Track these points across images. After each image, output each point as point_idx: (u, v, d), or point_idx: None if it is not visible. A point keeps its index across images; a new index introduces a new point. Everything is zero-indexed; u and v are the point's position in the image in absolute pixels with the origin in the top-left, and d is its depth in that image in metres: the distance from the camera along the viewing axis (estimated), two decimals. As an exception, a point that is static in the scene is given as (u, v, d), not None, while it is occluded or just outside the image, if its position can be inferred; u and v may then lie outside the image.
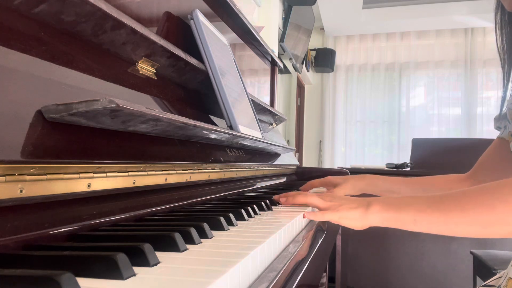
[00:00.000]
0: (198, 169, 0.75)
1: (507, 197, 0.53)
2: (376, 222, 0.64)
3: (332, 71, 5.31)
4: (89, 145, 0.47)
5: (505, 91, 0.81)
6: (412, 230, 0.62)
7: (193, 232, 0.45)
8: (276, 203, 0.84)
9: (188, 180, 0.71)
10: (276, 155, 1.44)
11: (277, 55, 2.25)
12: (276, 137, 1.63)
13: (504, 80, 0.81)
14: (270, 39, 2.80)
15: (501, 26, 0.80)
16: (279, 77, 3.56)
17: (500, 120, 0.86)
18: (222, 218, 0.54)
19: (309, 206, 0.77)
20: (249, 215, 0.66)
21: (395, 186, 0.94)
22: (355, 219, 0.65)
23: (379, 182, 0.94)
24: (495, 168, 0.87)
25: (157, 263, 0.36)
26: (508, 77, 0.80)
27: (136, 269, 0.33)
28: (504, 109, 0.82)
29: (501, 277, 0.78)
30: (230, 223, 0.56)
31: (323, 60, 5.16)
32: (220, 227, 0.53)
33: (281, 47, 3.39)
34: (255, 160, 1.16)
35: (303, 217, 0.70)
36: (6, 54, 0.42)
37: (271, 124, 1.67)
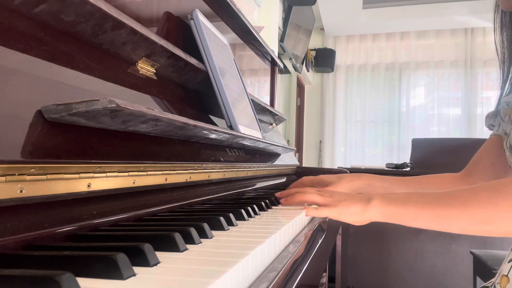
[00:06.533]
0: (198, 169, 0.75)
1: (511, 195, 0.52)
2: (376, 217, 0.63)
3: (332, 71, 5.31)
4: (89, 145, 0.47)
5: (502, 89, 0.82)
6: (412, 226, 0.62)
7: (193, 232, 0.45)
8: (276, 203, 0.84)
9: (188, 180, 0.71)
10: (276, 155, 1.44)
11: (277, 55, 2.24)
12: (276, 137, 1.63)
13: (503, 78, 0.81)
14: (270, 39, 2.80)
15: (501, 26, 0.80)
16: (279, 77, 3.56)
17: (495, 117, 0.86)
18: (222, 218, 0.54)
19: (309, 204, 0.76)
20: (249, 215, 0.66)
21: (392, 185, 0.92)
22: (355, 214, 0.64)
23: (376, 182, 0.92)
24: (493, 165, 0.85)
25: (157, 263, 0.36)
26: (507, 76, 0.81)
27: (136, 269, 0.33)
28: (499, 106, 0.82)
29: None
30: (230, 223, 0.56)
31: (323, 60, 5.16)
32: (220, 227, 0.53)
33: (281, 47, 3.39)
34: (255, 160, 1.16)
35: (306, 215, 0.69)
36: (6, 54, 0.42)
37: (271, 124, 1.67)
